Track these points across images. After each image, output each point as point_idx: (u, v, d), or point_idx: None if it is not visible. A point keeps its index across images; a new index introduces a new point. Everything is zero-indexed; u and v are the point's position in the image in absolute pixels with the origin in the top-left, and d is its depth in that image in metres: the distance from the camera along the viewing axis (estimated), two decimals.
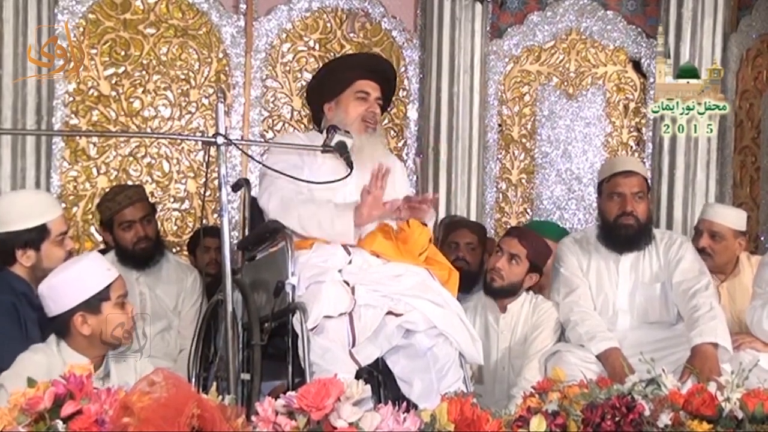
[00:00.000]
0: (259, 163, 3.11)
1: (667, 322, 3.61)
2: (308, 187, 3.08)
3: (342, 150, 3.06)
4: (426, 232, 3.11)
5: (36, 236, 2.89)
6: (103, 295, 2.58)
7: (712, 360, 3.22)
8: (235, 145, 3.05)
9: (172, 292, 3.92)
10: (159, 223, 4.89)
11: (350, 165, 3.04)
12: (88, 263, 2.66)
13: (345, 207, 3.03)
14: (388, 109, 5.20)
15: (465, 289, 3.68)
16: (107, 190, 4.44)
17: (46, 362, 2.46)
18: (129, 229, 3.79)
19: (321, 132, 3.32)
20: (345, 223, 2.98)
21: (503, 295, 3.69)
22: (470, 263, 4.08)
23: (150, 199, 4.29)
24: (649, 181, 3.79)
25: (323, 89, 3.33)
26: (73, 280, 2.58)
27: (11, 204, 3.05)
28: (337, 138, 3.08)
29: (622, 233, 3.61)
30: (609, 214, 3.65)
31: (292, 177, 3.03)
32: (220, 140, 2.72)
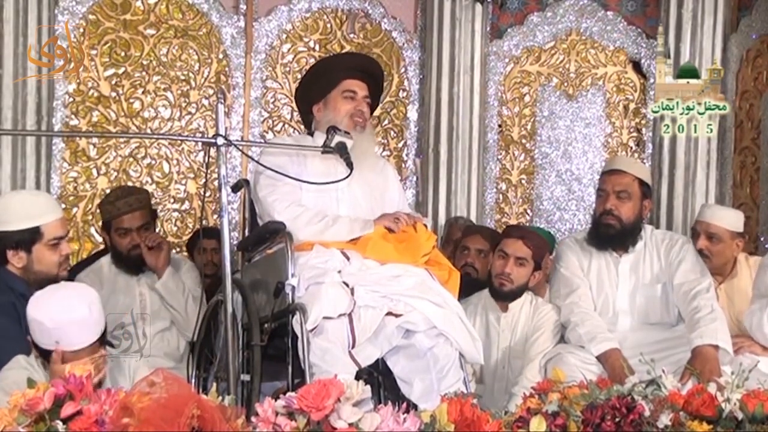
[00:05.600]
0: (259, 164, 3.10)
1: (668, 323, 3.61)
2: (301, 187, 3.09)
3: (342, 151, 3.07)
4: (432, 238, 3.13)
5: (27, 238, 2.87)
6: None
7: (712, 362, 3.22)
8: (234, 145, 3.04)
9: None
10: (159, 224, 4.90)
11: (350, 166, 3.04)
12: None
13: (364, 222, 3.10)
14: (387, 111, 5.28)
15: (468, 295, 3.68)
16: (110, 190, 4.42)
17: (27, 377, 2.45)
18: (125, 236, 3.78)
19: (311, 134, 3.33)
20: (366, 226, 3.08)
21: (511, 298, 3.68)
22: (479, 270, 3.98)
23: (152, 203, 4.26)
24: (649, 182, 3.76)
25: (311, 91, 3.34)
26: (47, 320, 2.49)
27: (7, 204, 3.05)
28: (338, 139, 3.09)
29: (602, 232, 3.64)
30: (595, 211, 3.73)
31: (292, 178, 3.04)
32: (219, 141, 2.72)
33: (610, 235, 3.62)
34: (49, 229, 2.91)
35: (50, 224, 2.92)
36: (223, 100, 2.78)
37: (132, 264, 3.81)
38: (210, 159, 2.77)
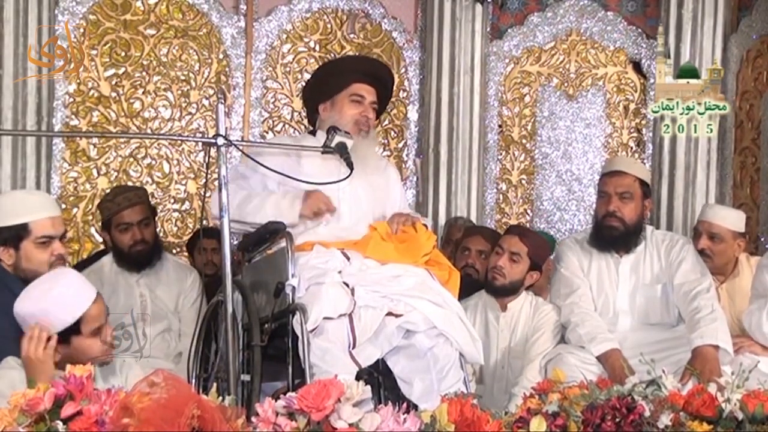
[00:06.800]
0: (259, 164, 3.10)
1: (668, 323, 3.61)
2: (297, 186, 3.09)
3: (342, 151, 3.07)
4: (432, 237, 3.13)
5: (14, 234, 2.85)
6: (73, 329, 2.51)
7: (712, 362, 3.22)
8: (234, 146, 3.04)
9: (172, 293, 3.92)
10: (159, 224, 4.91)
11: (350, 166, 3.04)
12: (60, 293, 2.53)
13: (293, 195, 3.09)
14: (387, 111, 5.28)
15: (468, 296, 3.68)
16: (109, 190, 4.43)
17: (20, 378, 2.44)
18: (126, 232, 3.78)
19: (313, 134, 3.33)
20: (291, 204, 3.07)
21: (504, 293, 3.69)
22: (479, 271, 3.97)
23: (151, 201, 4.28)
24: (649, 182, 3.77)
25: (319, 89, 3.33)
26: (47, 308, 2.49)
27: (1, 202, 3.05)
28: (338, 139, 3.09)
29: (606, 234, 3.63)
30: (597, 213, 3.71)
31: (290, 177, 3.04)
32: (220, 141, 2.72)
33: (614, 236, 3.62)
34: (38, 227, 2.88)
35: (39, 221, 2.89)
36: (223, 101, 2.78)
37: (134, 261, 3.82)
38: (210, 159, 2.77)
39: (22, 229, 2.87)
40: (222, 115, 2.78)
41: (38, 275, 2.87)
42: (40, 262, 2.88)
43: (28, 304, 2.52)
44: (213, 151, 2.74)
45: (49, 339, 2.45)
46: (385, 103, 3.46)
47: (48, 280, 2.60)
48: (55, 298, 2.51)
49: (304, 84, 3.67)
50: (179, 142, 5.08)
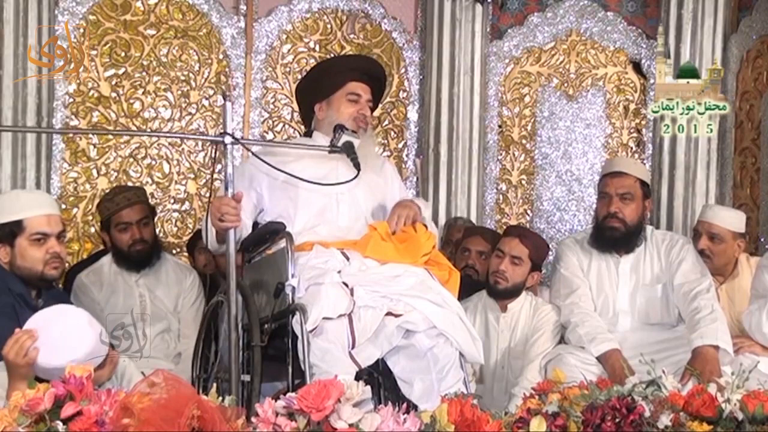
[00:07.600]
0: (266, 162, 3.09)
1: (668, 323, 3.61)
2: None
3: (349, 150, 3.07)
4: (432, 238, 3.13)
5: (9, 231, 2.87)
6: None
7: (712, 362, 3.22)
8: (242, 144, 3.03)
9: (172, 293, 3.93)
10: (159, 225, 4.91)
11: (357, 166, 3.05)
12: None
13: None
14: (387, 111, 5.28)
15: (468, 295, 3.69)
16: (108, 190, 4.44)
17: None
18: (125, 231, 3.79)
19: (309, 135, 3.33)
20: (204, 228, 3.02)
21: (507, 296, 3.69)
22: (479, 272, 3.99)
23: (150, 201, 4.28)
24: (648, 182, 3.77)
25: (314, 89, 3.33)
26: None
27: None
28: (345, 138, 3.09)
29: (607, 235, 3.63)
30: (598, 214, 3.71)
31: (297, 177, 3.03)
32: (227, 140, 2.71)
33: (615, 237, 3.63)
34: (33, 224, 2.89)
35: (34, 218, 2.90)
36: (230, 99, 2.77)
37: (133, 261, 3.82)
38: (216, 158, 2.75)
39: (16, 225, 2.88)
40: (230, 113, 2.77)
41: (33, 273, 2.88)
42: (34, 259, 2.88)
43: None
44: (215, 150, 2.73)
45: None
46: (377, 101, 3.47)
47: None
48: None
49: (297, 84, 3.65)
50: (179, 142, 5.07)
